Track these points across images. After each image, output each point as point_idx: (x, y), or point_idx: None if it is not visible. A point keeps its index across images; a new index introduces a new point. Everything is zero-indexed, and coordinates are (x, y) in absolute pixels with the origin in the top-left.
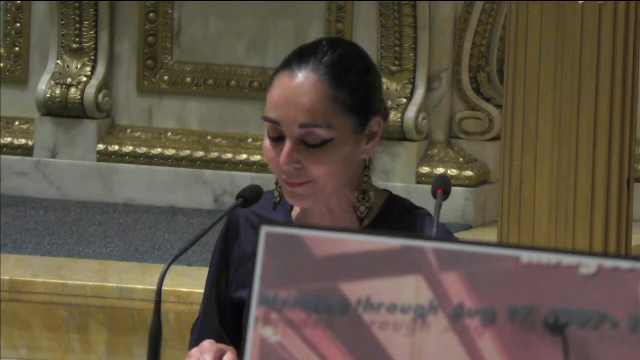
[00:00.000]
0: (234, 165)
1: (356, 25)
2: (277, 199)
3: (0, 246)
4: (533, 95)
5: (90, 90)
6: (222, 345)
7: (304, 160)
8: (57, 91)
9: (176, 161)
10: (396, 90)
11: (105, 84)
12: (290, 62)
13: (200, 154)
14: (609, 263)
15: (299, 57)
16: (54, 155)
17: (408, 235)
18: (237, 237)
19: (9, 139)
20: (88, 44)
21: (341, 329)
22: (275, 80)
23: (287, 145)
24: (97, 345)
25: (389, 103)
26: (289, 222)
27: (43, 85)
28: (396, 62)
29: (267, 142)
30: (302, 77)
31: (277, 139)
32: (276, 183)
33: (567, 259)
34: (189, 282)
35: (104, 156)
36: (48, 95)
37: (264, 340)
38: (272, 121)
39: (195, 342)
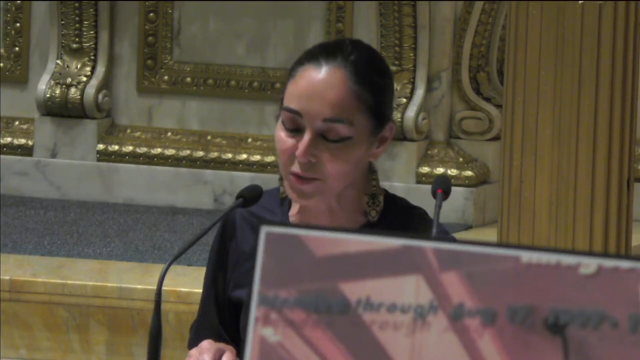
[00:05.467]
0: (234, 165)
1: (356, 25)
2: (284, 195)
3: (0, 246)
4: (533, 95)
5: (90, 90)
6: (222, 345)
7: (320, 155)
8: (57, 91)
9: (176, 161)
10: (396, 90)
11: (105, 84)
12: (317, 56)
13: (200, 154)
14: (609, 263)
15: (325, 51)
16: (54, 155)
17: (408, 235)
18: (234, 237)
19: (9, 139)
20: (88, 44)
21: (341, 329)
22: (299, 72)
23: (307, 137)
24: (97, 345)
25: None
26: (288, 222)
27: (43, 85)
28: (396, 62)
29: (281, 134)
30: (329, 71)
31: (294, 131)
32: (280, 179)
33: (567, 259)
34: (189, 282)
35: (104, 156)
36: (48, 95)
37: (264, 340)
38: (295, 112)
39: (193, 341)
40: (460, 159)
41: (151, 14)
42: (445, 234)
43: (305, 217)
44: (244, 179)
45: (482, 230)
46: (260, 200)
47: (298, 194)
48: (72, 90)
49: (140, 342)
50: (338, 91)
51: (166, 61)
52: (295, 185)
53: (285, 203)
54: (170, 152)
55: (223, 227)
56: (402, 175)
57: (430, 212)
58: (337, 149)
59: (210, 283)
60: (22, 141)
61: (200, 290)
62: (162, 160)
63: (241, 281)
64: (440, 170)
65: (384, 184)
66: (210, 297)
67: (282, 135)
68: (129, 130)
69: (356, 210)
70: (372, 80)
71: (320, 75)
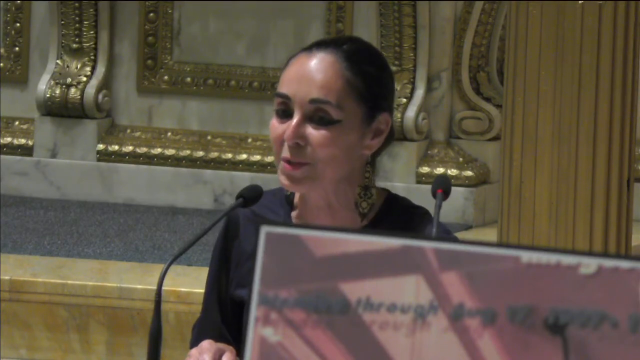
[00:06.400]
0: (234, 165)
1: (356, 25)
2: (289, 192)
3: (0, 246)
4: (533, 95)
5: (90, 90)
6: (222, 345)
7: (309, 139)
8: (57, 91)
9: (176, 161)
10: (396, 90)
11: (105, 84)
12: (310, 46)
13: (200, 154)
14: (609, 263)
15: (319, 42)
16: (54, 155)
17: (408, 235)
18: (237, 236)
19: (9, 139)
20: (88, 44)
21: (341, 329)
22: (292, 60)
23: (295, 119)
24: (97, 345)
25: None
26: (288, 222)
27: (43, 85)
28: (396, 62)
29: (274, 121)
30: (320, 57)
31: (285, 117)
32: None
33: (567, 259)
34: (189, 282)
35: (104, 156)
36: (48, 95)
37: (264, 340)
38: (283, 96)
39: (196, 340)
40: (460, 159)
41: (151, 14)
42: (447, 234)
43: (306, 215)
44: (244, 179)
45: (482, 230)
46: (262, 200)
47: (288, 178)
48: (72, 90)
49: (140, 342)
50: (327, 74)
51: (166, 61)
52: (285, 171)
53: (288, 202)
54: (170, 152)
55: (226, 226)
56: (402, 175)
57: (431, 212)
58: (326, 132)
59: (213, 282)
60: (22, 141)
61: (200, 290)
62: (162, 160)
63: (244, 280)
64: (440, 170)
65: (385, 184)
66: (213, 296)
67: (274, 123)
68: (129, 130)
69: (355, 209)
70: (364, 69)
71: (310, 60)
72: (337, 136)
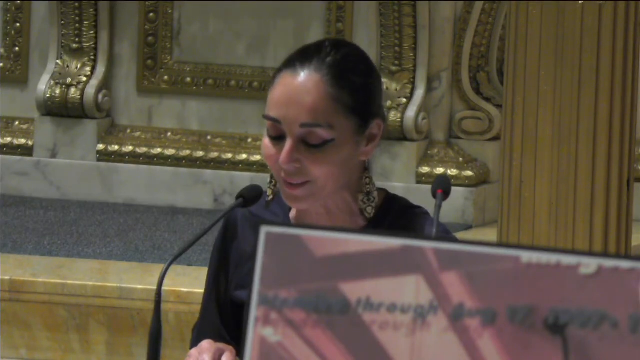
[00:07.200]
0: (234, 165)
1: (356, 25)
2: (270, 197)
3: (0, 246)
4: (533, 95)
5: (90, 90)
6: (222, 345)
7: (304, 160)
8: (57, 91)
9: (176, 161)
10: (396, 90)
11: (105, 84)
12: (293, 62)
13: (200, 154)
14: (609, 263)
15: (302, 56)
16: (54, 155)
17: (408, 235)
18: (235, 237)
19: (9, 139)
20: (88, 44)
21: (341, 329)
22: (277, 79)
23: (288, 144)
24: (97, 345)
25: (389, 103)
26: (288, 222)
27: (43, 85)
28: (396, 62)
29: (266, 141)
30: (305, 77)
31: (277, 138)
32: (269, 182)
33: (567, 259)
34: (189, 282)
35: (104, 156)
36: (48, 95)
37: (264, 340)
38: (274, 120)
39: (195, 341)
40: (460, 159)
41: (151, 14)
42: (446, 234)
43: (304, 219)
44: (244, 179)
45: (482, 230)
46: (261, 200)
47: (291, 199)
48: (72, 90)
49: (140, 342)
50: (314, 96)
51: (166, 61)
52: (287, 192)
53: (271, 205)
54: (170, 152)
55: (225, 227)
56: (402, 175)
57: (431, 212)
58: (320, 152)
59: (212, 283)
60: (22, 141)
61: (200, 290)
62: (162, 160)
63: (243, 281)
64: (440, 170)
65: (385, 184)
66: (212, 297)
67: (266, 142)
68: (129, 130)
69: (355, 212)
70: (350, 81)
71: (296, 81)
72: (332, 154)
